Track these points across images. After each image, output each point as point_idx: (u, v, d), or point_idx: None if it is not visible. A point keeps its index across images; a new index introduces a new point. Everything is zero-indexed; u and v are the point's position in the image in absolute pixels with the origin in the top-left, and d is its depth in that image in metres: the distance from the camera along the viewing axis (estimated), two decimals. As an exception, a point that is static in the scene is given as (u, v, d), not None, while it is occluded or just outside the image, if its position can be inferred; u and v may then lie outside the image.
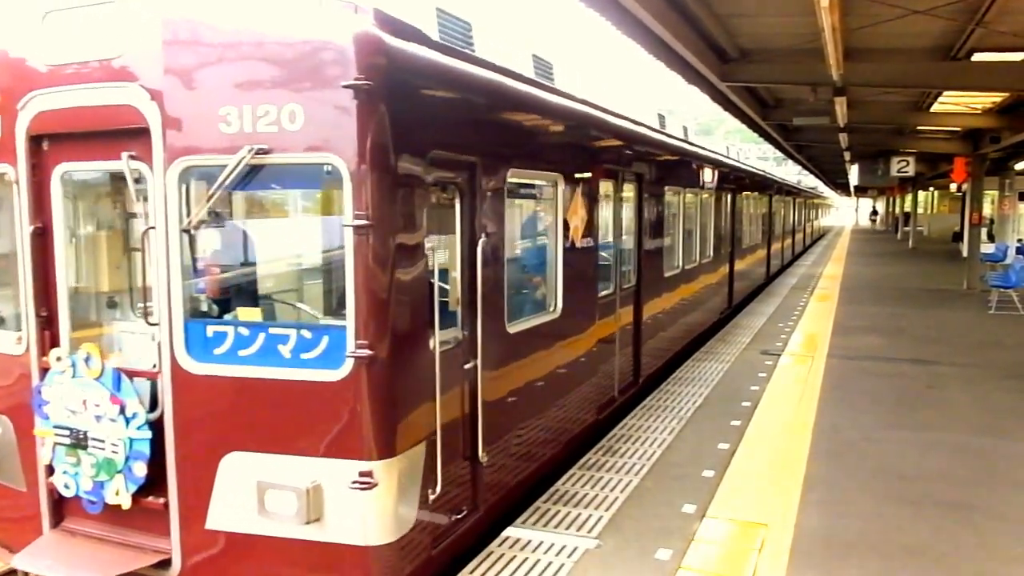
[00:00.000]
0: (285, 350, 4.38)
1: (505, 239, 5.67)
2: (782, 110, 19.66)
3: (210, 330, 4.52)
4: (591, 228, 7.38)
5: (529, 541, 5.39)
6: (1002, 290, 16.63)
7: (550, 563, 5.09)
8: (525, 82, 6.35)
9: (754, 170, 20.93)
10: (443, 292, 5.21)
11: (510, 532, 5.54)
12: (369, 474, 4.22)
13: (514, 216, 6.85)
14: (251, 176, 4.32)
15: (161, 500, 4.58)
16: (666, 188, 10.35)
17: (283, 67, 4.19)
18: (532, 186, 6.90)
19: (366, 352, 4.18)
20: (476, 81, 5.40)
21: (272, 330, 4.46)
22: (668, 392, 9.43)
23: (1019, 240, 28.25)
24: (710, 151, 14.72)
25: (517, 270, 7.02)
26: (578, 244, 7.10)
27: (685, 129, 13.30)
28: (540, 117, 6.58)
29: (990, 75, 12.98)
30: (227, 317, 4.86)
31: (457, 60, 5.16)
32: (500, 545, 5.34)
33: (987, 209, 29.67)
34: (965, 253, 24.14)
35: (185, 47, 4.37)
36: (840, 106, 15.40)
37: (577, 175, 7.07)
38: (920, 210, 44.83)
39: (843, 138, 22.51)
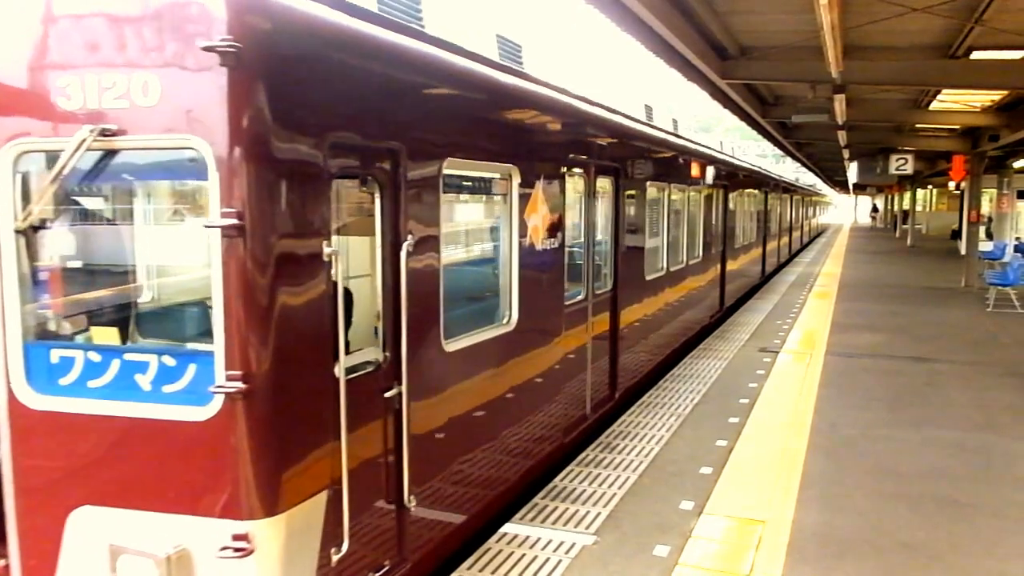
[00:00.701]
0: (144, 381, 3.60)
1: (441, 241, 4.78)
2: (781, 107, 19.66)
3: (55, 355, 3.72)
4: (556, 228, 6.57)
5: (527, 537, 5.39)
6: (1000, 288, 16.66)
7: (548, 559, 5.09)
8: (476, 61, 5.50)
9: (748, 166, 20.19)
10: (361, 306, 4.58)
11: (508, 528, 5.55)
12: (245, 537, 3.43)
13: (453, 214, 6.14)
14: (102, 164, 3.59)
15: (0, 562, 3.87)
16: (649, 184, 9.54)
17: (135, 25, 3.40)
18: (478, 179, 6.04)
19: (238, 385, 3.38)
20: (398, 53, 4.49)
21: (128, 356, 3.67)
22: (666, 389, 9.43)
23: (1017, 238, 28.32)
24: (701, 145, 13.89)
25: (459, 277, 6.25)
26: (539, 246, 6.27)
27: (675, 122, 12.59)
28: (488, 100, 5.65)
29: (989, 73, 12.99)
30: (78, 339, 4.06)
31: (378, 28, 4.34)
32: (498, 541, 5.35)
33: (985, 207, 29.70)
34: (963, 251, 24.17)
35: (16, 1, 3.60)
36: (839, 103, 15.41)
37: (537, 167, 6.21)
38: (919, 208, 44.89)
39: (842, 136, 22.51)
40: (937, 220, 45.40)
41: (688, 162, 11.81)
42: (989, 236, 29.59)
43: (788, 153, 35.12)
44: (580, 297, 7.50)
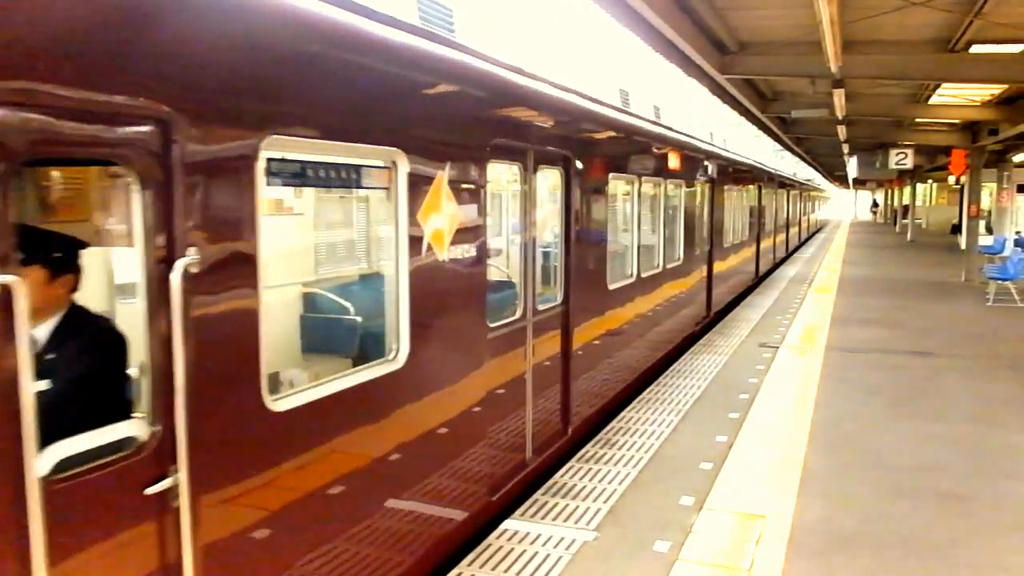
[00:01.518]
0: None
1: (259, 255, 3.32)
2: (781, 103, 19.69)
3: None
4: (472, 232, 5.16)
5: (527, 533, 5.39)
6: (1000, 282, 16.66)
7: (548, 555, 5.10)
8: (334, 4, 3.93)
9: (740, 157, 18.45)
10: (120, 359, 3.21)
11: (508, 525, 5.55)
12: None
13: (294, 217, 4.91)
14: None
15: None
16: (613, 176, 8.16)
17: None
18: (339, 168, 4.27)
19: None
20: None
21: None
22: (666, 385, 9.44)
23: (1017, 232, 28.31)
24: (684, 134, 12.15)
25: (300, 304, 5.08)
26: (443, 256, 4.79)
27: (657, 109, 11.22)
28: (350, 57, 3.99)
29: (988, 67, 13.01)
30: None
31: None
32: (498, 538, 5.35)
33: (985, 201, 29.70)
34: (963, 245, 24.18)
35: None
36: (838, 98, 15.43)
37: (440, 152, 4.76)
38: (919, 202, 44.91)
39: (841, 130, 22.54)
40: (937, 215, 45.46)
41: (666, 153, 10.38)
42: (989, 230, 29.62)
43: (788, 148, 35.13)
44: (515, 316, 6.11)
